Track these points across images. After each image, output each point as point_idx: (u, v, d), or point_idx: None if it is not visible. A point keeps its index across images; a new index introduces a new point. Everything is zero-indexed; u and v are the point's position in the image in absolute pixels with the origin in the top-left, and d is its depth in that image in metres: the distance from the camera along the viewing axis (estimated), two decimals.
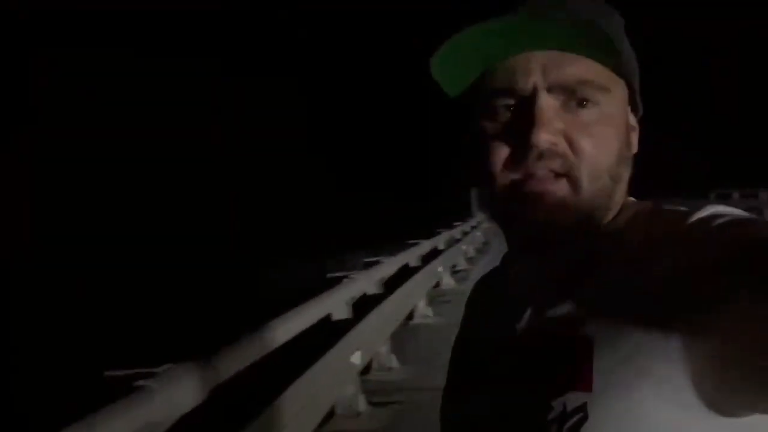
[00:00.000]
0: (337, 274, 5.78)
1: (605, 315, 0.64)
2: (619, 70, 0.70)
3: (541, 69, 0.68)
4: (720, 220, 0.63)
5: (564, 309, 0.68)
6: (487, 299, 0.83)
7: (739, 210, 0.65)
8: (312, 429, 3.77)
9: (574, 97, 0.68)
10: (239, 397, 3.26)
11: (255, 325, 3.55)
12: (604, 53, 0.68)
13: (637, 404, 0.60)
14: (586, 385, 0.62)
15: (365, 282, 6.12)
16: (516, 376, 0.70)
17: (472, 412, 0.74)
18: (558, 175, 0.68)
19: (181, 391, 2.53)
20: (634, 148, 0.75)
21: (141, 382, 2.39)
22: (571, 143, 0.68)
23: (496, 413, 0.71)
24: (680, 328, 0.59)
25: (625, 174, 0.73)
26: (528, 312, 0.71)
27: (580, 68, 0.68)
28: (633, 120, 0.75)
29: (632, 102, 0.74)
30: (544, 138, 0.66)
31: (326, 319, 4.90)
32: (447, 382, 0.85)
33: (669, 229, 0.66)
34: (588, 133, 0.68)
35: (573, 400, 0.63)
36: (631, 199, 0.76)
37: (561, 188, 0.68)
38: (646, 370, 0.60)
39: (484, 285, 0.89)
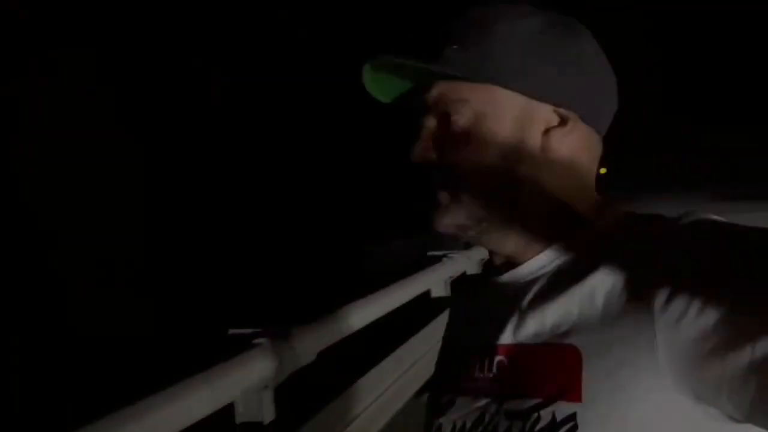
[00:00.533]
0: (438, 253, 5.91)
1: (594, 324, 0.63)
2: (476, 79, 0.73)
3: (423, 93, 0.78)
4: (706, 228, 0.64)
5: (551, 319, 0.64)
6: (473, 306, 0.80)
7: (720, 217, 0.66)
8: (410, 395, 3.94)
9: (440, 112, 0.76)
10: (345, 359, 3.43)
11: (361, 295, 3.74)
12: (457, 73, 0.73)
13: (628, 413, 0.60)
14: (576, 395, 0.62)
15: (464, 262, 6.16)
16: (504, 386, 0.69)
17: (460, 422, 0.73)
18: (442, 185, 0.75)
19: (292, 350, 2.76)
20: (556, 144, 0.71)
21: (258, 340, 2.61)
22: (443, 154, 0.75)
23: (483, 422, 0.70)
24: (670, 338, 0.59)
25: (535, 170, 0.71)
26: (515, 320, 0.68)
27: (438, 89, 0.76)
28: (547, 117, 0.74)
29: (553, 102, 0.73)
30: (416, 152, 0.76)
31: (426, 295, 5.07)
32: (433, 386, 0.85)
33: (656, 237, 0.66)
34: (455, 143, 0.74)
35: (562, 410, 0.62)
36: (600, 196, 0.76)
37: (443, 198, 0.75)
38: (636, 380, 0.60)
39: (468, 291, 0.86)
